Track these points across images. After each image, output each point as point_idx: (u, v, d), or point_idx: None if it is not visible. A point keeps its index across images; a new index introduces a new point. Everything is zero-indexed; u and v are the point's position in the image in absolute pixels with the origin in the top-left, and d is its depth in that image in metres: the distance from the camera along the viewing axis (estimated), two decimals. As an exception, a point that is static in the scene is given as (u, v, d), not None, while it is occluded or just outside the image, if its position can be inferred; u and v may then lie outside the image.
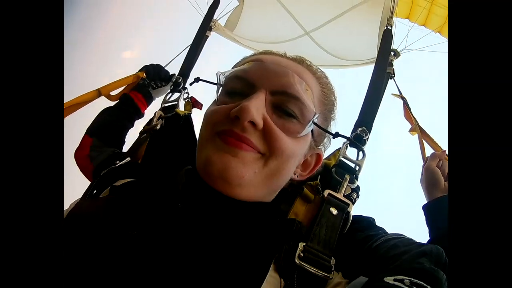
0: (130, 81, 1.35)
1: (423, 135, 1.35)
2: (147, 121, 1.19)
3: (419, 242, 0.66)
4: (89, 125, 1.26)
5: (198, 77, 1.09)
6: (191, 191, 0.65)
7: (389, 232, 0.79)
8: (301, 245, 0.62)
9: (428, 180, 1.10)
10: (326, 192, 0.77)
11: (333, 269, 0.61)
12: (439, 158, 1.16)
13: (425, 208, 1.04)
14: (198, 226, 0.59)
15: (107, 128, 1.27)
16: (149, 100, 1.39)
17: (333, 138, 0.75)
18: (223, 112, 0.64)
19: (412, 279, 0.51)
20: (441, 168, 1.12)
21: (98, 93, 1.28)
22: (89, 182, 1.09)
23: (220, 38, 2.00)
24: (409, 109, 1.43)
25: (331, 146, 1.00)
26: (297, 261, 0.59)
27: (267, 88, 0.64)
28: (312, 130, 0.70)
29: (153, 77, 1.40)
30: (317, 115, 0.68)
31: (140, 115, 1.36)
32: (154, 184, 0.69)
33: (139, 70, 1.40)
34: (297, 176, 0.75)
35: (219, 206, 0.63)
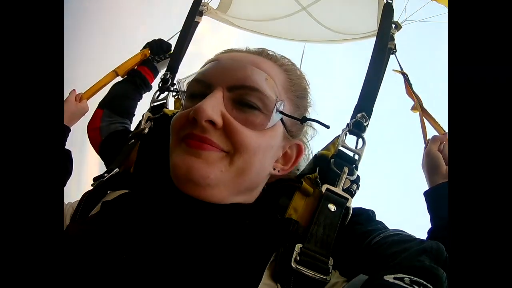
0: (139, 59, 1.51)
1: (425, 114, 1.30)
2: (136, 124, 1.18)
3: (419, 239, 0.65)
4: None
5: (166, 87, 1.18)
6: (172, 202, 0.64)
7: (388, 228, 0.78)
8: (297, 247, 0.61)
9: (429, 165, 1.06)
10: (324, 187, 0.75)
11: (330, 270, 0.60)
12: (441, 141, 1.11)
13: (426, 194, 1.01)
14: (183, 240, 0.59)
15: (116, 99, 1.40)
16: (154, 72, 1.54)
17: (301, 123, 0.70)
18: (184, 117, 0.64)
19: (412, 277, 0.50)
20: (443, 152, 1.07)
21: (115, 73, 1.48)
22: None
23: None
24: (410, 86, 1.37)
25: (331, 134, 0.98)
26: (293, 265, 0.58)
27: (224, 85, 0.63)
28: (282, 120, 0.67)
29: (156, 52, 1.55)
30: (280, 102, 0.65)
31: (149, 86, 1.51)
32: (143, 196, 0.69)
33: (143, 48, 1.55)
34: (278, 171, 0.73)
35: (199, 214, 0.62)
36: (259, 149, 0.63)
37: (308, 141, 0.84)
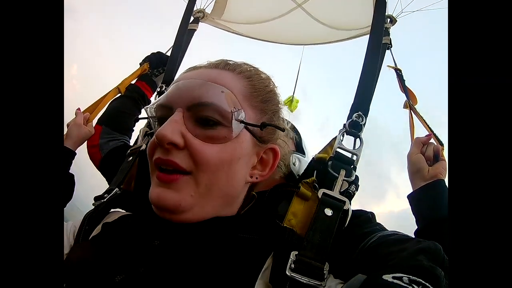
0: (139, 73, 1.49)
1: (414, 113, 1.25)
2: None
3: (416, 239, 0.64)
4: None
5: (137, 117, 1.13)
6: (161, 225, 0.65)
7: (384, 229, 0.77)
8: (293, 254, 0.61)
9: (411, 169, 1.03)
10: (320, 192, 0.73)
11: (326, 276, 0.59)
12: (423, 143, 1.08)
13: (410, 198, 0.99)
14: (173, 263, 0.59)
15: (115, 115, 1.37)
16: (153, 86, 1.50)
17: (261, 129, 0.66)
18: (152, 143, 0.65)
19: (411, 276, 0.50)
20: (426, 154, 1.04)
21: (118, 90, 1.46)
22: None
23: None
24: (403, 82, 1.32)
25: (329, 135, 0.95)
26: (288, 273, 0.58)
27: (183, 106, 0.63)
28: (248, 129, 0.66)
29: (156, 65, 1.52)
30: (237, 112, 0.63)
31: (147, 101, 1.48)
32: (139, 220, 0.70)
33: (142, 61, 1.53)
34: (257, 178, 0.70)
35: (183, 235, 0.63)
36: (223, 163, 0.62)
37: (288, 141, 0.82)
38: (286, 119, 0.78)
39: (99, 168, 1.30)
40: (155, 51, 1.58)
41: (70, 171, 1.25)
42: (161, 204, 0.61)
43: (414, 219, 0.96)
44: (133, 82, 1.52)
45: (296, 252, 0.61)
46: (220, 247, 0.62)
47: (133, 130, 1.41)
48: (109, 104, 1.42)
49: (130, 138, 1.39)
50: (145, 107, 0.72)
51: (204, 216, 0.64)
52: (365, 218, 0.79)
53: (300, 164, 1.06)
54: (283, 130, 0.72)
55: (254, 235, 0.67)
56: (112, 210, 0.85)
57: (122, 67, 22.55)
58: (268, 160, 0.72)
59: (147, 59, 1.54)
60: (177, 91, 0.66)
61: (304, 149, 1.16)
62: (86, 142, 1.33)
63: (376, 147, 34.85)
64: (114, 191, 0.89)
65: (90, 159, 1.31)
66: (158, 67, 1.53)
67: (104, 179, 1.26)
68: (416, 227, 0.94)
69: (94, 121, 1.40)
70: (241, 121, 0.64)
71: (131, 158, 1.01)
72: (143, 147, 1.03)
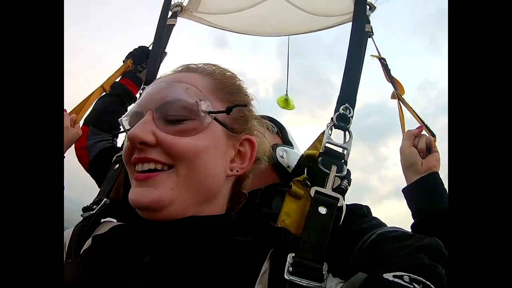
0: (123, 70, 1.45)
1: (403, 103, 1.22)
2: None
3: (417, 235, 0.64)
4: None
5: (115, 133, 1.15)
6: (149, 231, 0.64)
7: (384, 224, 0.77)
8: (290, 257, 0.60)
9: (405, 163, 1.01)
10: (313, 190, 0.72)
11: (325, 276, 0.59)
12: (415, 135, 1.05)
13: (405, 192, 0.98)
14: (168, 277, 0.59)
15: (101, 114, 1.33)
16: (138, 82, 1.47)
17: (228, 114, 0.67)
18: (127, 148, 0.66)
19: (412, 275, 0.49)
20: (418, 147, 1.02)
21: (102, 89, 1.40)
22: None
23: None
24: (388, 71, 1.28)
25: (316, 130, 0.93)
26: (286, 276, 0.57)
27: (152, 108, 0.64)
28: (218, 120, 0.66)
29: (139, 61, 1.48)
30: (203, 102, 0.64)
31: (133, 98, 1.44)
32: (129, 230, 0.69)
33: (126, 58, 1.49)
34: (237, 171, 0.70)
35: (172, 238, 0.62)
36: (199, 151, 0.62)
37: (266, 132, 0.81)
38: (265, 115, 0.77)
39: (88, 171, 1.25)
40: (137, 47, 1.53)
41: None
42: (142, 203, 0.60)
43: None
44: (117, 80, 1.46)
45: (293, 254, 0.61)
46: (214, 254, 0.61)
47: (119, 129, 1.34)
48: (95, 103, 1.37)
49: (117, 137, 1.33)
50: (119, 119, 0.71)
51: (186, 212, 0.63)
52: (361, 213, 0.78)
53: (288, 155, 1.04)
54: (245, 105, 0.72)
55: (248, 237, 0.66)
56: (102, 220, 0.82)
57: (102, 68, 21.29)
58: (245, 152, 0.71)
59: (130, 56, 1.50)
60: (145, 96, 0.68)
61: (291, 140, 1.13)
62: (74, 144, 1.26)
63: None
64: (103, 201, 0.85)
65: (79, 161, 1.26)
66: (142, 62, 1.49)
67: None
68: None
69: (81, 122, 1.34)
70: (208, 112, 0.64)
71: (117, 165, 0.97)
72: None
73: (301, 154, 0.90)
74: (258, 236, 0.67)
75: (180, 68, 0.74)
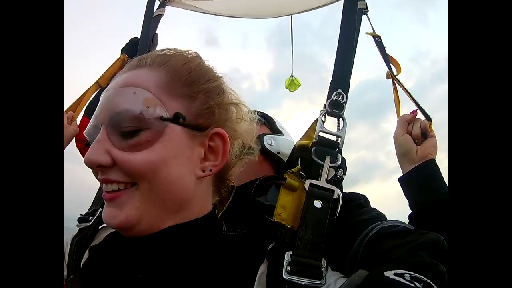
0: (118, 66, 1.38)
1: (398, 84, 1.14)
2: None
3: (418, 231, 0.62)
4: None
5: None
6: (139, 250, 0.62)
7: (382, 215, 0.76)
8: (287, 255, 0.59)
9: (399, 151, 0.95)
10: (307, 183, 0.69)
11: (324, 274, 0.58)
12: (409, 121, 0.98)
13: (400, 182, 0.93)
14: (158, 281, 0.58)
15: None
16: None
17: (174, 122, 0.58)
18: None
19: (412, 273, 0.49)
20: (412, 133, 0.95)
21: (98, 85, 1.35)
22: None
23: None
24: (383, 49, 1.19)
25: (310, 116, 0.90)
26: (285, 276, 0.56)
27: (105, 122, 0.58)
28: (175, 121, 0.58)
29: (133, 53, 1.38)
30: (151, 109, 0.57)
31: None
32: (122, 241, 0.65)
33: (121, 53, 1.42)
34: (210, 170, 0.62)
35: (153, 251, 0.60)
36: (155, 165, 0.56)
37: (237, 119, 0.68)
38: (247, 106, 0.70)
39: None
40: (129, 40, 1.46)
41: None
42: (111, 224, 0.58)
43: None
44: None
45: (291, 252, 0.60)
46: (206, 258, 0.60)
47: None
48: (95, 96, 1.33)
49: None
50: (84, 132, 0.65)
51: (159, 225, 0.59)
52: (358, 204, 0.76)
53: (277, 141, 1.01)
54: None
55: (243, 231, 0.65)
56: (101, 226, 0.81)
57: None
58: (217, 147, 0.63)
59: (123, 51, 1.43)
60: (99, 105, 0.61)
61: (280, 128, 1.10)
62: (75, 136, 1.24)
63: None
64: (98, 212, 0.82)
65: (80, 153, 1.22)
66: (136, 53, 1.39)
67: None
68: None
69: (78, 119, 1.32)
70: (160, 118, 0.57)
71: None
72: None
73: (294, 144, 0.87)
74: (254, 230, 0.66)
75: (132, 63, 0.65)
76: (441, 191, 0.82)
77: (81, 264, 0.71)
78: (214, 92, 0.64)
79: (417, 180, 0.87)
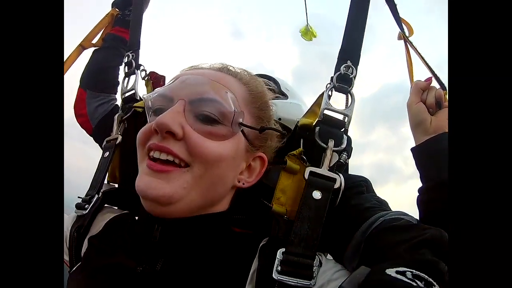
0: (107, 22, 1.28)
1: (411, 46, 1.04)
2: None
3: (421, 226, 0.59)
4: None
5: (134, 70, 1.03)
6: (148, 226, 0.63)
7: (384, 203, 0.72)
8: (279, 253, 0.58)
9: (413, 121, 0.88)
10: (307, 171, 0.67)
11: (315, 274, 0.57)
12: (423, 89, 0.89)
13: (413, 152, 0.87)
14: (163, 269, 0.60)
15: (97, 73, 1.20)
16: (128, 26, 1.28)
17: (260, 132, 0.66)
18: (147, 130, 0.63)
19: (414, 271, 0.48)
20: (427, 102, 0.87)
21: (81, 48, 1.24)
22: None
23: None
24: (394, 7, 1.05)
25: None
26: (275, 276, 0.56)
27: (186, 99, 0.62)
28: (244, 132, 0.65)
29: (123, 6, 1.30)
30: (239, 113, 0.63)
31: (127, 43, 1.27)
32: (127, 223, 0.70)
33: (111, 7, 1.31)
34: (243, 184, 0.68)
35: (172, 236, 0.62)
36: (220, 159, 0.61)
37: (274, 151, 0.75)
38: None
39: (92, 136, 1.20)
40: None
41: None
42: (152, 195, 0.58)
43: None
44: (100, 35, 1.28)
45: (283, 249, 0.59)
46: (211, 252, 0.62)
47: (118, 83, 1.22)
48: (88, 63, 1.23)
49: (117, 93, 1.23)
50: (143, 96, 0.66)
51: (190, 211, 0.62)
52: (359, 190, 0.72)
53: (277, 107, 0.93)
54: (284, 134, 0.73)
55: (242, 215, 0.67)
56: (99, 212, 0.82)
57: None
58: (255, 167, 0.70)
59: (113, 5, 1.32)
60: (181, 84, 0.64)
61: (285, 90, 1.05)
62: (74, 109, 1.22)
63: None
64: (95, 199, 0.83)
65: (82, 127, 1.20)
66: (127, 7, 1.30)
67: None
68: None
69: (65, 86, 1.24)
70: (241, 123, 0.63)
71: (107, 153, 0.92)
72: (119, 139, 0.92)
73: (296, 123, 0.82)
74: (252, 215, 0.66)
75: (218, 66, 0.71)
76: None
77: (82, 254, 0.73)
78: (271, 122, 0.72)
79: (430, 154, 0.81)
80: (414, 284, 0.46)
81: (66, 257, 0.80)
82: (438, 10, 31.67)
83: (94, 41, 1.27)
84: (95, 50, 1.25)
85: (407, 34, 1.08)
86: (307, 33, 2.03)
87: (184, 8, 30.58)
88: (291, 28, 24.00)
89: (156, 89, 0.67)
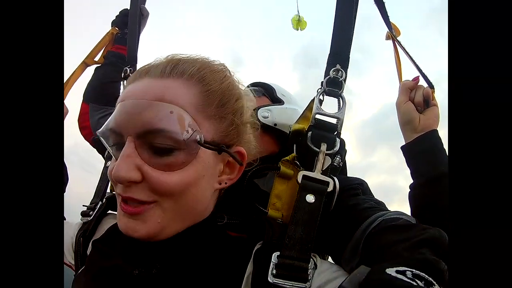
0: (107, 41, 1.33)
1: (399, 46, 1.06)
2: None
3: (420, 226, 0.60)
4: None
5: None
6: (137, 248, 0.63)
7: (380, 203, 0.73)
8: (274, 256, 0.58)
9: (401, 119, 0.90)
10: (300, 175, 0.66)
11: (310, 276, 0.57)
12: (411, 88, 0.92)
13: (403, 150, 0.89)
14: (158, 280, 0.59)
15: (99, 87, 1.26)
16: None
17: (219, 153, 0.60)
18: (110, 175, 0.58)
19: (414, 270, 0.48)
20: (415, 100, 0.90)
21: (85, 65, 1.29)
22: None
23: None
24: (383, 7, 1.05)
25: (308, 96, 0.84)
26: (270, 280, 0.56)
27: (133, 133, 0.55)
28: (206, 145, 0.57)
29: (123, 25, 1.36)
30: (191, 134, 0.56)
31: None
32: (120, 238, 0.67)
33: (111, 26, 1.37)
34: (226, 183, 0.64)
35: (156, 253, 0.61)
36: (187, 187, 0.57)
37: (257, 128, 0.73)
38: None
39: (94, 147, 1.22)
40: (118, 12, 1.38)
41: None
42: (133, 235, 0.57)
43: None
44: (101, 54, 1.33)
45: (278, 253, 0.59)
46: (202, 258, 0.61)
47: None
48: (91, 79, 1.29)
49: None
50: (97, 132, 0.62)
51: (175, 232, 0.60)
52: (354, 193, 0.73)
53: (272, 113, 0.96)
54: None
55: (237, 219, 0.66)
56: (104, 218, 0.84)
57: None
58: (235, 162, 0.64)
59: (113, 24, 1.37)
60: (124, 115, 0.57)
61: (281, 96, 1.05)
62: (78, 122, 1.26)
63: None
64: (99, 205, 0.84)
65: (85, 139, 1.24)
66: (127, 26, 1.31)
67: None
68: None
69: (70, 102, 1.24)
70: (198, 142, 0.56)
71: (109, 163, 0.93)
72: None
73: (289, 129, 0.83)
74: (247, 220, 0.65)
75: (162, 66, 0.61)
76: (443, 164, 0.79)
77: (87, 259, 0.74)
78: (239, 112, 0.64)
79: (419, 151, 0.84)
80: (414, 283, 0.46)
81: (72, 261, 0.81)
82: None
83: (96, 59, 1.32)
84: (97, 67, 1.31)
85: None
86: (299, 23, 2.03)
87: (185, 36, 31.25)
88: (291, 54, 23.51)
89: (106, 122, 0.60)
